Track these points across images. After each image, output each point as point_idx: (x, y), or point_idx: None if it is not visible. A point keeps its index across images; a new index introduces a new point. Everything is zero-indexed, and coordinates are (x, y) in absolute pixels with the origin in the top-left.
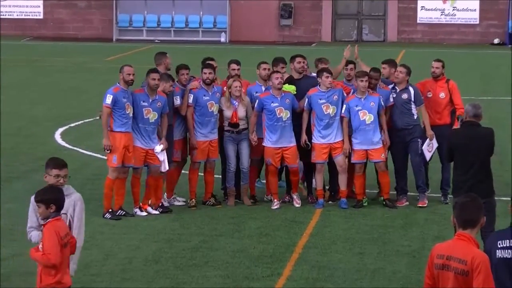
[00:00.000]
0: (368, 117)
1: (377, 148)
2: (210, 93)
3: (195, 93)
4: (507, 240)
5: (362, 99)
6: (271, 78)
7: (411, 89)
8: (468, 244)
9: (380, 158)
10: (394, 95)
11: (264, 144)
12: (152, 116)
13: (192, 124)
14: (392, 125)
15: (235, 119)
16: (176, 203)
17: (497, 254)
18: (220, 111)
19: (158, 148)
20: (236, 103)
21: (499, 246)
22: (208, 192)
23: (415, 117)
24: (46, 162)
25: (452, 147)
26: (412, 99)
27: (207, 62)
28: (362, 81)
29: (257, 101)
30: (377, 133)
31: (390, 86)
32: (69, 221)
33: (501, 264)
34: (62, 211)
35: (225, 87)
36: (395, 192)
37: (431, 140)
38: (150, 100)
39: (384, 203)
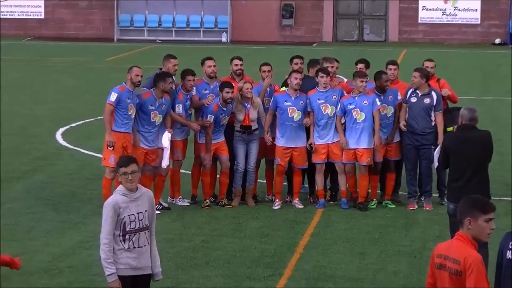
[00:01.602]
0: (359, 116)
1: (364, 149)
2: (225, 109)
3: (214, 113)
4: None
5: (356, 97)
6: (291, 77)
7: (434, 94)
8: (463, 244)
9: (364, 161)
10: (415, 99)
11: (276, 143)
12: (158, 119)
13: (210, 141)
14: (408, 128)
15: (247, 122)
16: (180, 203)
17: (507, 255)
18: (232, 113)
19: (166, 141)
20: (248, 105)
21: (510, 246)
22: (222, 193)
23: (433, 123)
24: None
25: (447, 151)
26: (434, 104)
27: (227, 81)
28: (362, 81)
29: (272, 99)
30: (368, 134)
31: (411, 90)
32: (147, 218)
33: (511, 265)
34: (144, 208)
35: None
36: (401, 193)
37: None
38: (157, 104)
39: (357, 207)
